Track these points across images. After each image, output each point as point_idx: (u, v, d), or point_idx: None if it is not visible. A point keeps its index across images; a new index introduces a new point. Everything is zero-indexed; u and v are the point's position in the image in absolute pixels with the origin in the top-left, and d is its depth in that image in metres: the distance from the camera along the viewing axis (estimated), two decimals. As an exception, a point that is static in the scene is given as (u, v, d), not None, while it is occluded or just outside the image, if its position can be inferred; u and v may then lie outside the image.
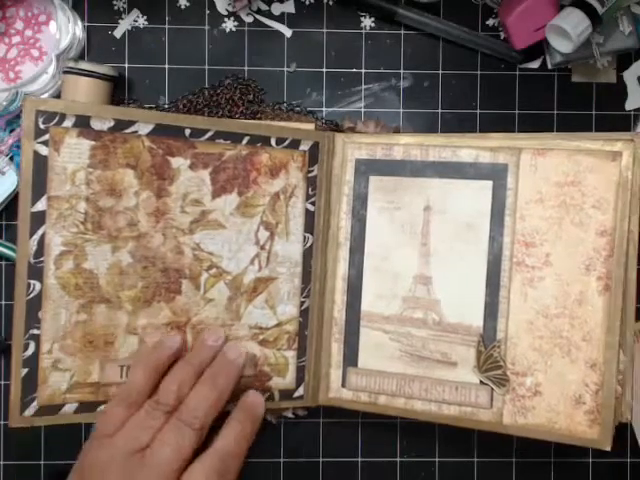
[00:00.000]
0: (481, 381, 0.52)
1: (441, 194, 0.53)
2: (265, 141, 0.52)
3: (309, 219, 0.54)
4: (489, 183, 0.51)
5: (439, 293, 0.53)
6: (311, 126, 0.56)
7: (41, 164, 0.46)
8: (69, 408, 0.49)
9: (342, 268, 0.55)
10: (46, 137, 0.46)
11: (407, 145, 0.53)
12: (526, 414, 0.51)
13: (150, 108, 0.61)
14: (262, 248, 0.53)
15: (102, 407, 0.50)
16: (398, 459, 0.65)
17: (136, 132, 0.48)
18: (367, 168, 0.54)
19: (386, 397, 0.54)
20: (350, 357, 0.55)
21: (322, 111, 0.63)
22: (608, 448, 0.49)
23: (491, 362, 0.51)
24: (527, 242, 0.51)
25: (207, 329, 0.52)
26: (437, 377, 0.53)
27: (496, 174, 0.51)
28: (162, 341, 0.49)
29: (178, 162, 0.50)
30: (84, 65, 0.56)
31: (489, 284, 0.51)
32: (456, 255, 0.52)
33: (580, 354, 0.50)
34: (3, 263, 0.62)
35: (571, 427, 0.50)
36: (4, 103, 0.55)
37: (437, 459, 0.65)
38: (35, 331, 0.47)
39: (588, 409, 0.50)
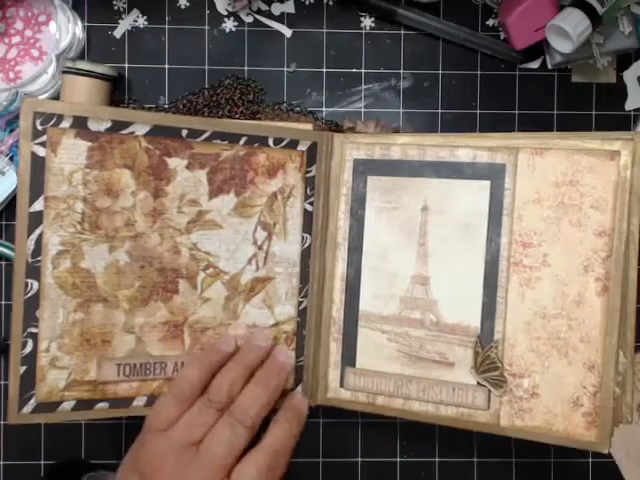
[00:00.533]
0: (478, 382, 0.52)
1: (439, 194, 0.52)
2: (263, 141, 0.52)
3: (307, 219, 0.54)
4: (487, 183, 0.51)
5: (437, 293, 0.53)
6: (309, 126, 0.56)
7: (38, 165, 0.47)
8: (67, 405, 0.49)
9: (340, 268, 0.55)
10: (43, 138, 0.47)
11: (405, 145, 0.53)
12: (523, 416, 0.51)
13: (150, 108, 0.62)
14: (260, 248, 0.53)
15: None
16: (398, 459, 0.65)
17: (133, 133, 0.49)
18: (365, 168, 0.54)
19: (384, 398, 0.54)
20: (348, 357, 0.55)
21: (322, 111, 0.64)
22: (606, 451, 0.49)
23: (488, 363, 0.51)
24: (525, 242, 0.50)
25: (257, 329, 0.53)
26: (434, 378, 0.53)
27: (494, 174, 0.51)
28: (217, 342, 0.51)
29: (175, 162, 0.50)
30: (82, 65, 0.56)
31: (486, 284, 0.51)
32: (454, 255, 0.52)
33: (578, 356, 0.49)
34: (3, 263, 0.62)
35: (569, 429, 0.50)
36: (4, 103, 0.56)
37: (437, 459, 0.66)
38: (33, 329, 0.48)
39: (586, 411, 0.49)
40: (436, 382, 0.53)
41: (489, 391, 0.51)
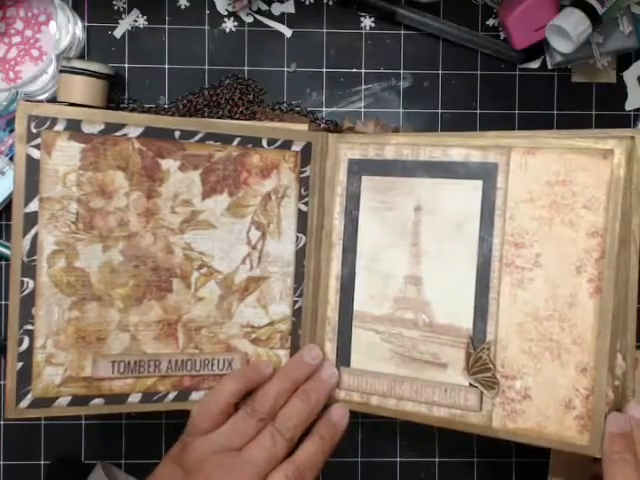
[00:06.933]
0: (470, 384, 0.51)
1: (432, 194, 0.52)
2: (256, 142, 0.52)
3: (302, 219, 0.54)
4: (479, 183, 0.51)
5: (429, 294, 0.53)
6: (304, 127, 0.56)
7: (33, 167, 0.48)
8: (63, 401, 0.50)
9: (335, 268, 0.55)
10: (38, 141, 0.48)
11: (398, 145, 0.53)
12: (515, 418, 0.50)
13: (150, 108, 0.62)
14: (253, 248, 0.53)
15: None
16: (398, 459, 0.66)
17: (126, 135, 0.49)
18: (359, 168, 0.54)
19: (378, 398, 0.54)
20: (343, 357, 0.55)
21: (322, 111, 0.64)
22: (598, 455, 0.48)
23: (480, 364, 0.51)
24: (517, 243, 0.50)
25: (307, 346, 0.54)
26: (427, 379, 0.53)
27: (486, 173, 0.51)
28: (259, 365, 0.53)
29: (168, 164, 0.51)
30: (77, 63, 0.56)
31: (479, 285, 0.51)
32: (446, 256, 0.52)
33: (570, 358, 0.49)
34: (3, 263, 0.63)
35: (561, 432, 0.49)
36: (4, 103, 0.56)
37: (437, 459, 0.65)
38: (29, 327, 0.49)
39: (578, 414, 0.49)
40: (429, 383, 0.53)
41: (481, 392, 0.51)
